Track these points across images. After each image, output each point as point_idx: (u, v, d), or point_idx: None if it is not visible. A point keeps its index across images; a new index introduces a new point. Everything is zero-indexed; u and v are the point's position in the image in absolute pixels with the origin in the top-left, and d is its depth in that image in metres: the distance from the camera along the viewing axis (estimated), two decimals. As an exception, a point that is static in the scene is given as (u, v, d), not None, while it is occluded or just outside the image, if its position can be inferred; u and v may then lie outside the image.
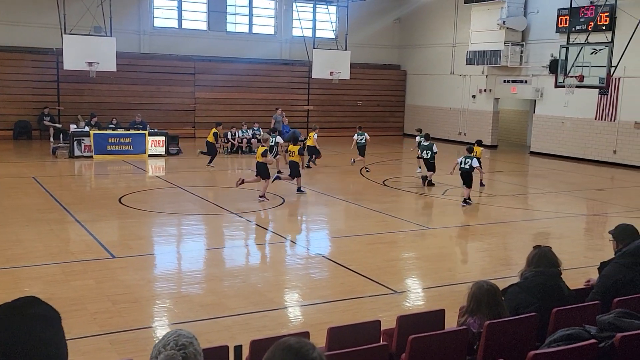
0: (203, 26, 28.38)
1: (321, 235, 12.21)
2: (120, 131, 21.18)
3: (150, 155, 21.13)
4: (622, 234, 5.50)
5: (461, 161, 14.56)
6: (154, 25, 27.44)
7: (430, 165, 17.00)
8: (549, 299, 4.64)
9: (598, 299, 4.95)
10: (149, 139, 21.32)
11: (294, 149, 15.60)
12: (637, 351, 3.52)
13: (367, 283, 8.64)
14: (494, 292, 4.31)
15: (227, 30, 28.92)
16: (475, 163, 14.56)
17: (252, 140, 23.00)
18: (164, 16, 27.76)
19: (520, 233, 12.46)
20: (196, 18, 28.35)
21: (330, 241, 11.62)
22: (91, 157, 20.18)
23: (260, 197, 14.40)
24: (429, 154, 16.97)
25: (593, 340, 3.38)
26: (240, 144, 23.02)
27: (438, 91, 30.41)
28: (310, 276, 9.10)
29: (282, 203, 14.33)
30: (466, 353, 4.04)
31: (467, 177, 14.51)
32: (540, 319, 4.39)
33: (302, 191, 15.42)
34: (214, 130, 19.88)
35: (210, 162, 19.45)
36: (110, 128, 21.68)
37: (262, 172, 14.47)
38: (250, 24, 29.47)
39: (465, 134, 28.63)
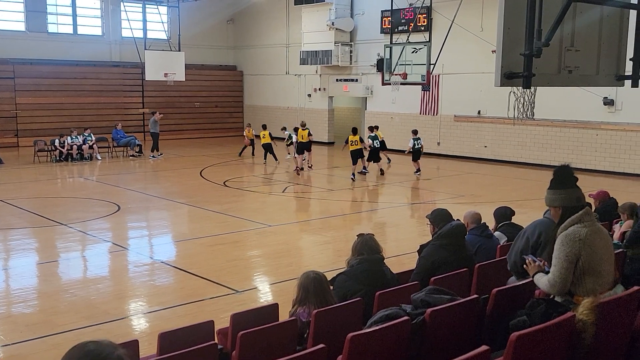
0: (21, 27, 26.41)
1: (161, 240, 11.90)
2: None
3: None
4: (438, 217, 5.91)
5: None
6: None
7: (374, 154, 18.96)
8: (373, 283, 4.89)
9: (418, 279, 5.32)
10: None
11: (355, 138, 18.34)
12: (445, 323, 3.84)
13: (207, 285, 8.59)
14: (321, 280, 4.48)
15: (49, 31, 27.16)
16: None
17: (83, 146, 21.87)
18: (-26, 15, 25.48)
19: (359, 224, 13.01)
20: (13, 18, 26.32)
21: (171, 246, 11.39)
22: None
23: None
24: (378, 144, 19.04)
25: (406, 318, 3.64)
26: (70, 151, 21.77)
27: (275, 91, 30.85)
28: (149, 283, 8.86)
29: (118, 210, 13.78)
30: (297, 343, 4.16)
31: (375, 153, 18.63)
32: (367, 303, 4.64)
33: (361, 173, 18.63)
34: None
35: None
36: None
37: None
38: (75, 24, 27.89)
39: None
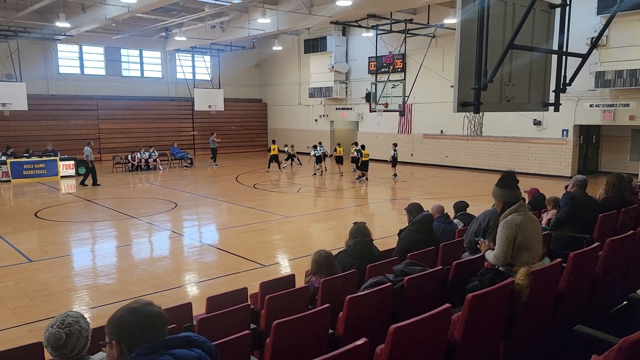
0: (102, 72, 26.55)
1: (208, 229, 11.89)
2: (34, 158, 19.22)
3: (62, 177, 19.39)
4: (412, 209, 5.92)
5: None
6: (60, 71, 25.21)
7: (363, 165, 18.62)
8: (365, 259, 4.90)
9: (398, 255, 5.32)
10: (61, 163, 19.56)
11: (366, 152, 18.44)
12: (418, 287, 3.84)
13: (242, 261, 8.60)
14: (329, 257, 4.48)
15: (123, 74, 27.28)
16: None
17: (149, 160, 21.93)
18: (67, 64, 25.58)
19: (354, 215, 12.97)
20: (96, 66, 26.45)
21: (215, 233, 11.39)
22: (9, 181, 18.12)
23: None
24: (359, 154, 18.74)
25: (389, 284, 3.64)
26: (139, 164, 21.84)
27: (291, 117, 30.82)
28: (199, 261, 8.87)
29: (175, 207, 13.80)
30: (309, 303, 4.17)
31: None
32: (360, 273, 4.64)
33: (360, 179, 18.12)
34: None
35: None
36: (25, 156, 19.60)
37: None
38: (142, 70, 28.01)
39: (315, 147, 29.17)
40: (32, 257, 8.86)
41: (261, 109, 32.66)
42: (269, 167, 21.89)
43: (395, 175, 18.97)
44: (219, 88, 25.18)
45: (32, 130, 23.69)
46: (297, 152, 22.17)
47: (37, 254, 9.15)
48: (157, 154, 22.69)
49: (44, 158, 19.37)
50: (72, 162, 19.90)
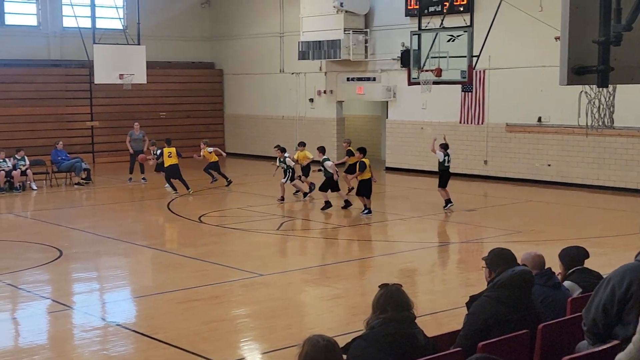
0: None
1: (117, 296, 11.87)
2: None
3: None
4: (496, 260, 5.91)
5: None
6: None
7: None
8: (401, 352, 4.86)
9: (465, 343, 5.29)
10: None
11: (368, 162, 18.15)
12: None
13: (179, 355, 8.57)
14: (333, 349, 4.45)
15: (-33, 20, 27.50)
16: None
17: (14, 172, 21.95)
18: None
19: (379, 271, 12.96)
20: None
21: (129, 303, 11.39)
22: None
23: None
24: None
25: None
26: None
27: (266, 95, 31.05)
28: (101, 353, 8.83)
29: (60, 256, 13.82)
30: None
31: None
32: (393, 377, 4.63)
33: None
34: None
35: None
36: None
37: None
38: (1, 13, 28.25)
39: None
40: None
41: (213, 81, 32.92)
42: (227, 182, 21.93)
43: (448, 203, 18.63)
44: (138, 44, 25.34)
45: None
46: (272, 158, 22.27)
47: None
48: (27, 162, 22.77)
49: None
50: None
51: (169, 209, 18.90)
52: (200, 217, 17.67)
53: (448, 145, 18.78)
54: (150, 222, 17.85)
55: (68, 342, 9.40)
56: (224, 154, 23.12)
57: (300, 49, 27.75)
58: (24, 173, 22.39)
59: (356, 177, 18.10)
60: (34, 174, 22.85)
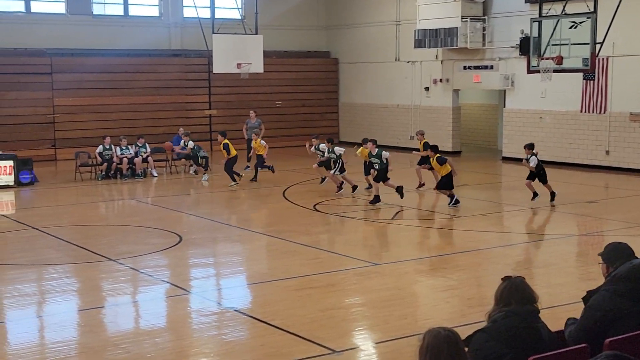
0: (61, 8, 27.94)
1: (234, 282, 12.13)
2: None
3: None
4: (613, 254, 5.77)
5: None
6: (-9, 8, 26.83)
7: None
8: (524, 345, 4.79)
9: (583, 338, 5.15)
10: (-10, 164, 20.78)
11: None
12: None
13: (296, 342, 8.63)
14: (455, 341, 4.39)
15: (94, 12, 28.58)
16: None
17: (135, 159, 22.68)
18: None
19: (495, 263, 12.76)
20: (50, -2, 27.98)
21: (246, 289, 11.57)
22: None
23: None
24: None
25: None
26: (119, 166, 22.65)
27: (381, 84, 30.99)
28: (220, 338, 9.03)
29: (179, 242, 14.20)
30: None
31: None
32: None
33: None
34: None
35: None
36: None
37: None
38: (126, 4, 29.22)
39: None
40: (-58, 324, 9.39)
41: (328, 70, 33.09)
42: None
43: (535, 196, 17.68)
44: (256, 34, 25.72)
45: (-54, 108, 25.33)
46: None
47: (-51, 318, 9.66)
48: (149, 149, 23.46)
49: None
50: (10, 163, 21.03)
51: (284, 196, 19.11)
52: (315, 205, 17.79)
53: (533, 148, 17.95)
54: (266, 209, 18.09)
55: (187, 326, 9.66)
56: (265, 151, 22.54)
57: (416, 37, 27.57)
58: (145, 160, 23.09)
59: (438, 173, 17.85)
60: (154, 161, 23.54)
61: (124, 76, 28.39)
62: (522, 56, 23.72)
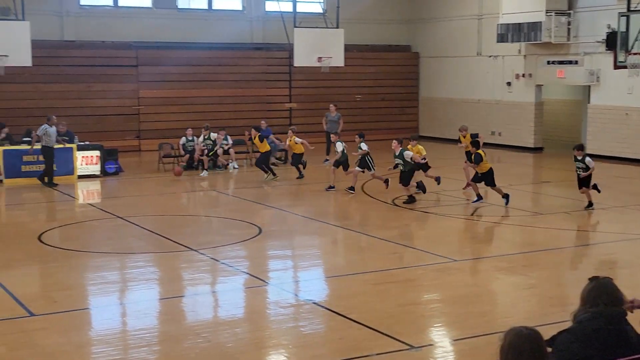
0: (147, 2, 28.51)
1: (312, 275, 12.22)
2: (39, 146, 21.10)
3: (80, 177, 21.10)
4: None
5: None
6: (81, 3, 27.52)
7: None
8: (611, 348, 4.67)
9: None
10: (78, 154, 21.30)
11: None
12: None
13: (374, 336, 8.63)
14: (538, 341, 4.31)
15: (179, 6, 29.05)
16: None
17: (217, 150, 22.95)
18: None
19: (577, 262, 12.56)
20: (137, -8, 28.58)
21: (324, 282, 11.63)
22: (1, 181, 20.15)
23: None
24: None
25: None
26: (201, 157, 22.96)
27: (462, 78, 30.67)
28: (299, 330, 9.10)
29: (259, 234, 14.34)
30: None
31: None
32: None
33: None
34: None
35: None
36: (25, 142, 21.63)
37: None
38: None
39: (500, 134, 28.75)
40: (33, 308, 9.68)
41: (409, 64, 32.90)
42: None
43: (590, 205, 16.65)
44: (337, 27, 25.74)
45: (37, 99, 26.16)
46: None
47: (40, 303, 9.98)
48: (230, 141, 23.72)
49: (55, 146, 21.16)
50: (97, 154, 21.59)
51: (363, 190, 19.09)
52: (394, 199, 17.71)
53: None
54: (344, 203, 18.10)
55: (265, 317, 9.76)
56: (311, 147, 22.18)
57: (499, 32, 27.17)
58: (226, 152, 23.36)
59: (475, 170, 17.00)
60: (235, 153, 23.78)
61: (207, 69, 28.81)
62: (609, 51, 23.16)
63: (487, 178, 16.85)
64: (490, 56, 29.27)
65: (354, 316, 9.28)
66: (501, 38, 27.20)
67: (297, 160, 21.35)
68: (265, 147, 21.03)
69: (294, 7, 25.74)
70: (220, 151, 22.89)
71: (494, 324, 9.24)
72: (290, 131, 21.89)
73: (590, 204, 16.27)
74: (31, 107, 25.67)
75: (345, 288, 10.99)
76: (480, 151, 16.88)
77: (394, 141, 17.58)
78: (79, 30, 27.27)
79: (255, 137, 21.24)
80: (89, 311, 10.10)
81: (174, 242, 13.62)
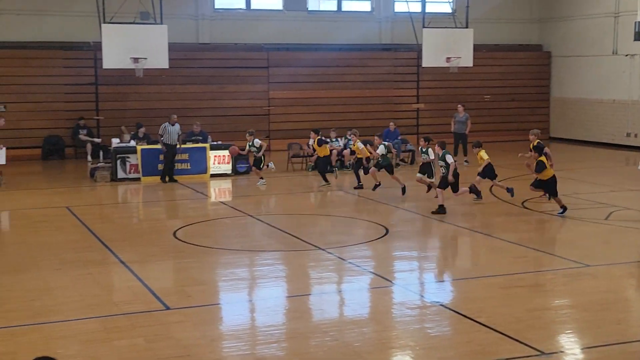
0: (278, 5, 29.02)
1: (438, 276, 12.14)
2: (189, 145, 21.81)
3: (212, 175, 21.74)
4: None
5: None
6: (215, 6, 28.33)
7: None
8: None
9: None
10: (211, 154, 21.92)
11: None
12: None
13: (502, 341, 8.49)
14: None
15: (309, 8, 29.43)
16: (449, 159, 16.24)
17: (344, 151, 23.10)
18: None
19: None
20: (269, -4, 29.15)
21: (452, 285, 11.54)
22: (138, 179, 21.00)
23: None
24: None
25: None
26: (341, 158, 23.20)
27: (596, 78, 29.73)
28: (425, 332, 9.05)
29: (385, 234, 14.35)
30: None
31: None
32: None
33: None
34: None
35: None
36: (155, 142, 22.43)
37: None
38: (340, 0, 29.86)
39: (636, 135, 27.68)
40: (169, 302, 10.05)
41: (540, 64, 32.22)
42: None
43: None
44: (466, 27, 25.42)
45: (173, 100, 27.11)
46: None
47: (175, 298, 10.36)
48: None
49: (189, 145, 21.90)
50: (228, 153, 22.11)
51: (491, 192, 18.77)
52: (524, 202, 17.35)
53: None
54: (473, 205, 17.81)
55: (392, 317, 9.75)
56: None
57: (636, 29, 26.08)
58: (353, 152, 23.44)
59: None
60: (362, 153, 23.85)
61: (336, 70, 29.08)
62: None
63: (550, 186, 16.03)
64: (627, 55, 28.22)
65: (482, 320, 9.15)
66: (639, 36, 26.15)
67: (323, 165, 20.27)
68: (324, 151, 20.31)
69: (423, 7, 25.62)
70: (347, 152, 22.94)
71: (629, 332, 8.94)
72: (352, 135, 20.93)
73: None
74: (167, 108, 26.51)
75: (473, 291, 10.86)
76: (542, 158, 16.02)
77: (436, 146, 16.81)
78: (213, 33, 28.11)
79: (314, 141, 20.49)
80: (221, 306, 10.39)
81: (302, 240, 13.83)
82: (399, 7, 29.61)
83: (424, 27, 24.77)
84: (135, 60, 21.54)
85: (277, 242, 14.07)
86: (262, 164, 20.33)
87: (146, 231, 15.33)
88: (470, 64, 25.48)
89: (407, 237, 14.80)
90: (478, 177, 17.71)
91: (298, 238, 14.06)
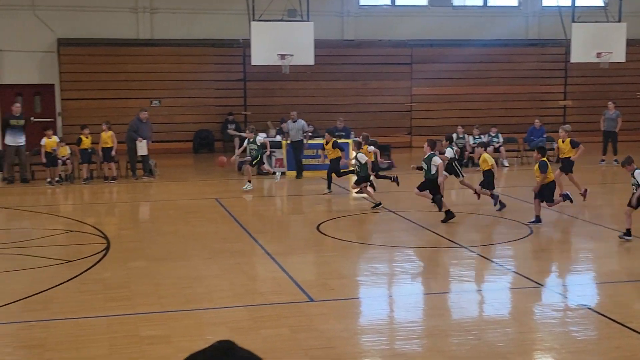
0: (423, 1, 28.88)
1: (586, 279, 11.75)
2: (319, 140, 22.14)
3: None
4: None
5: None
6: (360, 3, 28.50)
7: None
8: None
9: None
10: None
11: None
12: None
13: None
14: None
15: (454, 4, 29.11)
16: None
17: (488, 149, 22.70)
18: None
19: None
20: (414, -9, 29.08)
21: (599, 288, 11.15)
22: (284, 173, 21.43)
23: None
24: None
25: None
26: (471, 154, 22.87)
27: None
28: (571, 335, 8.79)
29: (530, 234, 14.02)
30: None
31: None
32: None
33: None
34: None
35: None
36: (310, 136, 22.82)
37: None
38: (485, -5, 29.47)
39: None
40: (312, 294, 10.23)
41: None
42: None
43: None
44: (619, 21, 24.41)
45: (317, 96, 27.50)
46: None
47: (319, 290, 10.52)
48: (501, 139, 23.40)
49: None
50: (371, 148, 22.13)
51: None
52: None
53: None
54: (617, 205, 17.09)
55: (536, 319, 9.55)
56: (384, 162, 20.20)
57: None
58: (497, 150, 23.08)
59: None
60: (506, 151, 23.44)
61: (480, 66, 28.65)
62: None
63: (547, 191, 14.94)
64: None
65: (633, 325, 8.78)
66: None
67: (334, 167, 18.65)
68: (335, 154, 18.72)
69: (573, 1, 24.81)
70: (491, 148, 22.52)
71: None
72: (363, 140, 18.73)
73: None
74: (312, 104, 27.05)
75: (622, 295, 10.45)
76: (545, 159, 14.84)
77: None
78: (357, 30, 28.31)
79: (328, 143, 18.96)
80: (362, 300, 10.48)
81: (444, 237, 13.73)
82: (547, 1, 28.92)
83: (573, 21, 23.99)
84: (282, 57, 21.99)
85: (417, 239, 14.02)
86: (254, 162, 19.52)
87: (291, 224, 15.67)
88: (623, 60, 24.48)
89: (552, 236, 14.41)
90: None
91: (439, 235, 13.96)
